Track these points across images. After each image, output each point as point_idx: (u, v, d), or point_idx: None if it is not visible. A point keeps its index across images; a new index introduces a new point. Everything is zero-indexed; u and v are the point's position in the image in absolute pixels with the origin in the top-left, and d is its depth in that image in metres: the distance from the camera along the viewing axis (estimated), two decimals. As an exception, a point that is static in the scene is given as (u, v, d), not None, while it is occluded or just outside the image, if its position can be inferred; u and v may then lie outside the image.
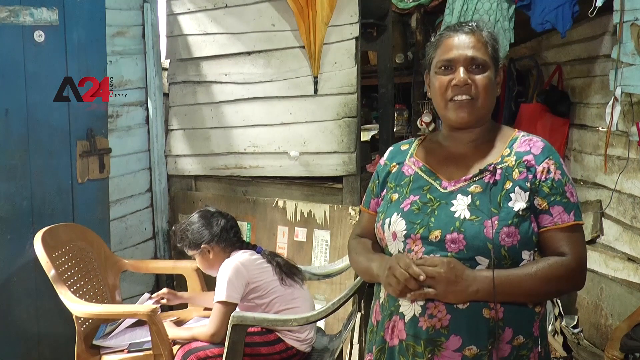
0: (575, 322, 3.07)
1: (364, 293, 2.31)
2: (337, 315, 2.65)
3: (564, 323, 3.07)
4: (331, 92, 3.01)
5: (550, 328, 3.09)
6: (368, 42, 3.24)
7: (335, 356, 2.30)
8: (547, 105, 3.36)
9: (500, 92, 1.45)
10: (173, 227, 2.45)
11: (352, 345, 2.52)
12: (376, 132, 4.31)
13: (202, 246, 2.30)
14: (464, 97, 1.36)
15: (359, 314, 2.39)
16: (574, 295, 3.09)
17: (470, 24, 1.42)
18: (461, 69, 1.36)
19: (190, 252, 2.36)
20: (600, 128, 3.00)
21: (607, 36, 2.90)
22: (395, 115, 4.68)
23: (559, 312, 3.12)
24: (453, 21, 2.87)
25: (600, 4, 2.45)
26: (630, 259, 2.73)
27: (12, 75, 2.48)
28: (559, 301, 3.12)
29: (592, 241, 2.97)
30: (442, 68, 1.39)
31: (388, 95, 3.46)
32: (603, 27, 2.91)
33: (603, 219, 2.96)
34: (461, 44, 1.38)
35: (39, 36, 2.54)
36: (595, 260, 2.90)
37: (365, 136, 4.46)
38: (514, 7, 2.79)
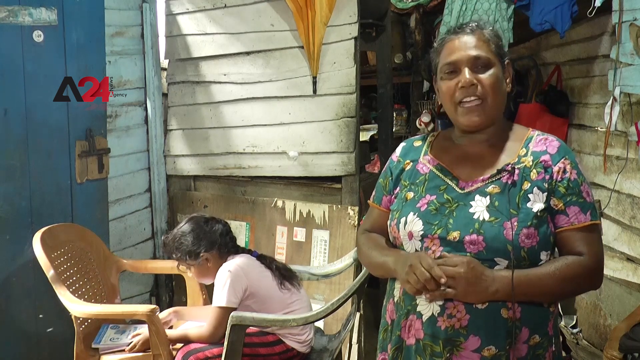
0: (574, 322, 3.07)
1: (363, 293, 2.32)
2: (336, 316, 2.65)
3: (563, 323, 3.07)
4: (330, 92, 3.01)
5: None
6: (367, 42, 3.24)
7: (334, 356, 2.30)
8: (546, 105, 3.36)
9: (510, 89, 1.43)
10: (163, 238, 2.37)
11: (351, 345, 2.53)
12: (375, 132, 4.32)
13: (202, 255, 2.24)
14: (472, 98, 1.35)
15: (357, 314, 2.39)
16: (573, 295, 3.10)
17: (470, 25, 1.42)
18: (466, 70, 1.36)
19: (187, 263, 2.29)
20: (599, 128, 3.00)
21: (606, 36, 2.90)
22: (394, 115, 4.69)
23: (558, 311, 3.13)
24: (452, 21, 2.87)
25: (599, 4, 2.45)
26: (629, 259, 2.73)
27: (11, 75, 2.48)
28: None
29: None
30: (447, 72, 1.39)
31: (387, 95, 3.46)
32: (602, 27, 2.91)
33: (602, 219, 2.96)
34: (463, 45, 1.38)
35: (38, 36, 2.54)
36: (594, 260, 2.90)
37: (364, 136, 4.47)
38: (512, 7, 2.79)
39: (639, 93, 2.45)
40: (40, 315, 2.61)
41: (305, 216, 3.10)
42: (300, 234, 3.12)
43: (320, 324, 2.60)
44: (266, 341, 2.18)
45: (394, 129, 4.20)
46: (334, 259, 2.91)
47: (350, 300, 2.13)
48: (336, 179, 3.08)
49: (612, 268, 2.84)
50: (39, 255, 2.28)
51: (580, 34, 3.14)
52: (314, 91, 3.02)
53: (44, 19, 2.55)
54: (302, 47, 3.01)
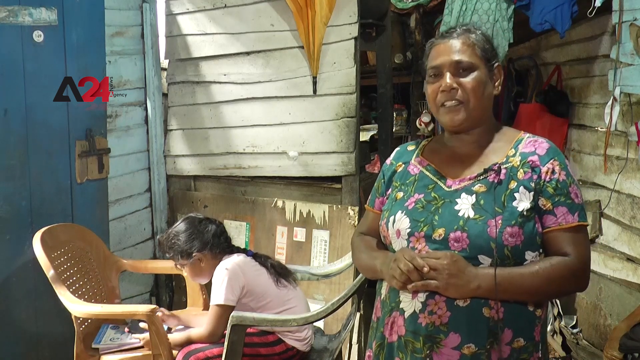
0: (574, 322, 3.07)
1: (363, 293, 2.32)
2: (336, 316, 2.65)
3: (563, 323, 3.07)
4: (330, 92, 3.01)
5: (549, 328, 3.10)
6: (367, 42, 3.24)
7: (335, 356, 2.30)
8: (546, 106, 3.36)
9: (500, 92, 1.46)
10: (158, 237, 2.39)
11: (351, 345, 2.53)
12: (375, 132, 4.31)
13: (194, 255, 2.26)
14: (452, 102, 1.38)
15: (358, 314, 2.39)
16: (573, 295, 3.10)
17: (458, 29, 1.45)
18: (447, 74, 1.39)
19: (180, 262, 2.31)
20: (599, 128, 3.00)
21: (606, 36, 2.90)
22: (394, 115, 4.68)
23: (558, 312, 3.13)
24: (452, 21, 2.87)
25: (599, 4, 2.45)
26: (629, 259, 2.73)
27: (11, 75, 2.48)
28: (557, 301, 3.12)
29: (591, 241, 2.98)
30: (432, 75, 1.43)
31: (387, 95, 3.46)
32: (602, 27, 2.91)
33: (602, 219, 2.96)
34: (447, 49, 1.41)
35: (38, 36, 2.54)
36: (594, 260, 2.90)
37: (364, 136, 4.46)
38: (512, 7, 2.79)
39: (639, 93, 2.45)
40: (40, 316, 2.60)
41: (305, 216, 3.10)
42: (300, 234, 3.12)
43: (320, 324, 2.60)
44: (267, 341, 2.18)
45: (394, 129, 4.21)
46: (334, 259, 2.91)
47: (350, 300, 2.13)
48: (336, 179, 3.08)
49: (612, 268, 2.84)
50: (39, 255, 2.27)
51: (580, 34, 3.14)
52: (314, 91, 3.03)
53: (44, 19, 2.55)
54: (302, 47, 3.01)
